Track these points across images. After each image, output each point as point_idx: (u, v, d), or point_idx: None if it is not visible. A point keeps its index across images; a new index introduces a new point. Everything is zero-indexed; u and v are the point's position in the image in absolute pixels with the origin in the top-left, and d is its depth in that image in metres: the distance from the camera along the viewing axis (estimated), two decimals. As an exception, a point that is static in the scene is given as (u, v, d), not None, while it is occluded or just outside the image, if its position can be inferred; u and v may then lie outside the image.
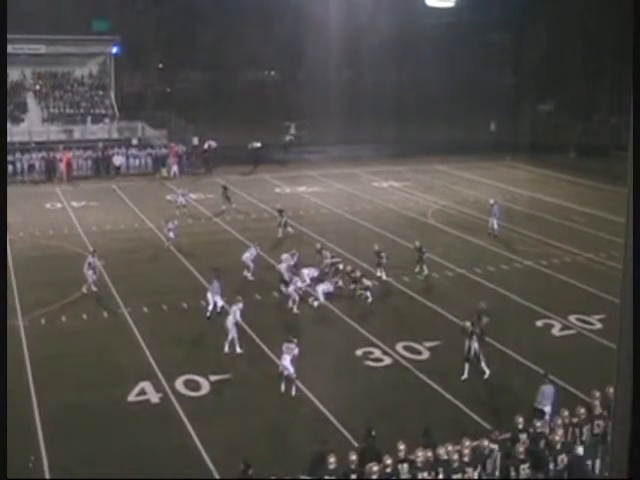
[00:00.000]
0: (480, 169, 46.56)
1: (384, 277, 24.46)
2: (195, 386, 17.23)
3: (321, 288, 22.55)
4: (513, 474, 12.14)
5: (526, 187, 40.34)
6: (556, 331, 20.85)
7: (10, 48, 41.92)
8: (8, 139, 40.85)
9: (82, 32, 50.73)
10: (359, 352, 19.18)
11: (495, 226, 30.49)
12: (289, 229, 30.12)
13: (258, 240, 26.24)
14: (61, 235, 30.38)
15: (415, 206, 36.63)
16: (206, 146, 45.63)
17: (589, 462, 12.71)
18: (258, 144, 47.28)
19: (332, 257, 24.77)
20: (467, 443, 12.30)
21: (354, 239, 28.93)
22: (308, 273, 23.30)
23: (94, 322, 21.25)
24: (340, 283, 23.49)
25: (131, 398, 16.60)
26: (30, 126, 46.30)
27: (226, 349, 18.81)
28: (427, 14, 59.04)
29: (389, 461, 11.80)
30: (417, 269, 25.29)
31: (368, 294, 22.48)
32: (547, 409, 14.72)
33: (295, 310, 21.87)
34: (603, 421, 13.20)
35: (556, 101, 68.64)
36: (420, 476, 11.88)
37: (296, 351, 16.82)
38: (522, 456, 12.18)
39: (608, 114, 58.92)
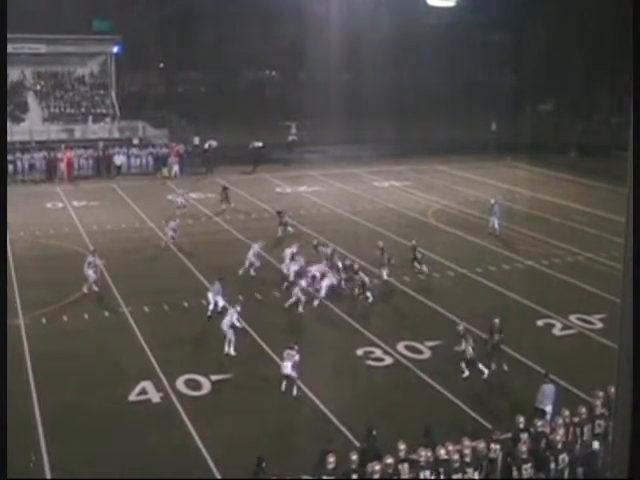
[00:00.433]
0: (481, 169, 46.57)
1: (385, 277, 24.46)
2: (196, 386, 17.24)
3: (325, 283, 22.56)
4: (515, 474, 12.15)
5: (527, 187, 40.34)
6: (557, 331, 20.85)
7: (11, 48, 41.98)
8: (9, 139, 40.90)
9: (83, 32, 50.78)
10: (360, 352, 19.18)
11: (496, 226, 30.49)
12: (289, 228, 30.14)
13: (257, 239, 26.21)
14: (62, 235, 30.39)
15: (416, 206, 36.64)
16: (207, 146, 45.63)
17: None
18: (259, 144, 47.27)
19: (331, 251, 24.71)
20: (468, 443, 12.31)
21: (355, 239, 28.93)
22: (317, 269, 23.19)
23: (95, 322, 21.26)
24: (342, 275, 23.44)
25: (132, 398, 16.60)
26: (31, 125, 46.35)
27: (226, 349, 18.81)
28: (428, 14, 59.03)
29: (390, 461, 11.81)
30: (417, 268, 25.26)
31: (369, 294, 22.48)
32: (548, 409, 14.72)
33: (300, 309, 21.86)
34: (604, 421, 13.21)
35: (557, 101, 68.55)
36: (421, 476, 11.89)
37: (297, 357, 16.75)
38: (524, 456, 12.19)
39: (608, 114, 58.90)
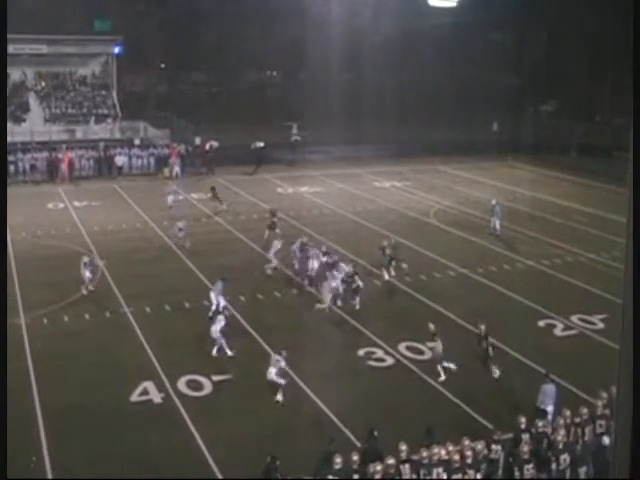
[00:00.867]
0: (482, 169, 46.57)
1: (386, 277, 24.43)
2: (197, 386, 17.24)
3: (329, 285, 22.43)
4: (516, 474, 12.15)
5: (528, 187, 40.35)
6: (558, 331, 20.84)
7: (12, 48, 42.10)
8: (10, 139, 40.95)
9: (84, 32, 50.71)
10: (361, 352, 19.19)
11: (497, 226, 30.48)
12: (277, 230, 29.46)
13: (258, 239, 26.19)
14: (63, 235, 30.40)
15: (417, 206, 36.64)
16: (208, 146, 45.61)
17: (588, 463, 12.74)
18: (261, 144, 47.24)
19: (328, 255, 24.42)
20: (469, 443, 12.31)
21: (356, 239, 28.94)
22: (344, 268, 22.69)
23: (96, 322, 21.27)
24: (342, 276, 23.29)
25: (133, 398, 16.61)
26: (32, 126, 46.31)
27: (228, 352, 18.79)
28: (429, 14, 59.00)
29: (391, 461, 11.81)
30: (404, 268, 24.78)
31: (357, 300, 22.03)
32: (549, 409, 14.72)
33: (326, 310, 21.63)
34: (605, 421, 13.20)
35: (558, 101, 68.56)
36: (423, 476, 11.89)
37: (282, 364, 16.59)
38: (526, 456, 12.19)
39: (610, 115, 58.88)
